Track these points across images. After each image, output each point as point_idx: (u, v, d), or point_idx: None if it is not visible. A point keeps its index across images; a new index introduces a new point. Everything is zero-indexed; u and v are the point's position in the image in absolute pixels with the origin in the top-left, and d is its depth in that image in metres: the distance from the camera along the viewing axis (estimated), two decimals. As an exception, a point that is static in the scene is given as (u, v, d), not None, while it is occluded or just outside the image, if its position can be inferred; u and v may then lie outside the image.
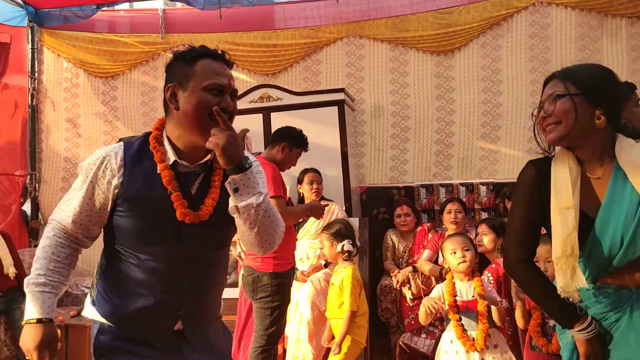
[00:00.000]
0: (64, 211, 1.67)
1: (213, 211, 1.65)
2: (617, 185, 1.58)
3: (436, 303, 2.79)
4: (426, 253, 3.97)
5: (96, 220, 1.67)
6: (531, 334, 2.59)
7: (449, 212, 4.01)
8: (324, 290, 3.66)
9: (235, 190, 1.55)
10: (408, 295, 4.02)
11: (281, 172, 3.36)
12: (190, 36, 5.63)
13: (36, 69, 5.69)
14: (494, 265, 3.31)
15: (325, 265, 3.86)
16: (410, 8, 5.24)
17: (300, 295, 3.80)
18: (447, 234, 3.88)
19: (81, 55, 5.68)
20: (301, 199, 4.31)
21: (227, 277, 4.53)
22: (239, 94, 4.85)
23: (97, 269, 1.74)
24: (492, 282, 3.14)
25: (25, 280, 1.64)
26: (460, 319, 2.77)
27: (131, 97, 5.73)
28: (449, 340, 2.80)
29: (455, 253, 2.88)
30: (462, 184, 4.81)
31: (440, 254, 3.22)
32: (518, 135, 5.02)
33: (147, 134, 1.71)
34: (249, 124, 4.76)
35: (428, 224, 4.38)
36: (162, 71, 5.75)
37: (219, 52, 1.68)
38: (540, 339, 2.54)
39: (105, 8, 5.42)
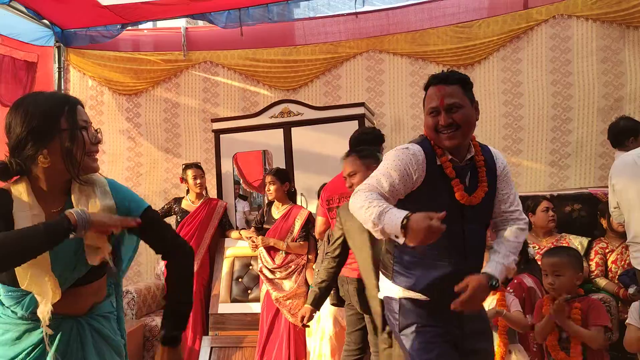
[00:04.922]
0: None
1: (482, 199, 2.02)
2: None
3: None
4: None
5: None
6: (549, 349, 2.55)
7: None
8: None
9: None
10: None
11: None
12: (212, 53, 5.72)
13: (62, 88, 5.81)
14: (515, 281, 3.25)
15: None
16: (430, 22, 5.26)
17: (323, 310, 3.79)
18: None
19: (106, 74, 5.79)
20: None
21: (256, 290, 4.53)
22: (259, 109, 4.94)
23: (386, 256, 2.08)
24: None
25: None
26: None
27: (154, 113, 5.82)
28: None
29: None
30: (484, 198, 4.76)
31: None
32: (540, 147, 4.98)
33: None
34: (270, 139, 4.85)
35: (450, 238, 4.32)
36: (184, 88, 5.87)
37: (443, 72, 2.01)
38: (558, 353, 2.50)
39: (130, 28, 5.53)
